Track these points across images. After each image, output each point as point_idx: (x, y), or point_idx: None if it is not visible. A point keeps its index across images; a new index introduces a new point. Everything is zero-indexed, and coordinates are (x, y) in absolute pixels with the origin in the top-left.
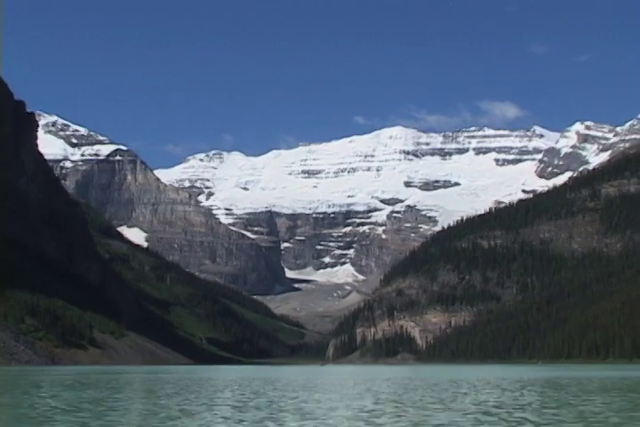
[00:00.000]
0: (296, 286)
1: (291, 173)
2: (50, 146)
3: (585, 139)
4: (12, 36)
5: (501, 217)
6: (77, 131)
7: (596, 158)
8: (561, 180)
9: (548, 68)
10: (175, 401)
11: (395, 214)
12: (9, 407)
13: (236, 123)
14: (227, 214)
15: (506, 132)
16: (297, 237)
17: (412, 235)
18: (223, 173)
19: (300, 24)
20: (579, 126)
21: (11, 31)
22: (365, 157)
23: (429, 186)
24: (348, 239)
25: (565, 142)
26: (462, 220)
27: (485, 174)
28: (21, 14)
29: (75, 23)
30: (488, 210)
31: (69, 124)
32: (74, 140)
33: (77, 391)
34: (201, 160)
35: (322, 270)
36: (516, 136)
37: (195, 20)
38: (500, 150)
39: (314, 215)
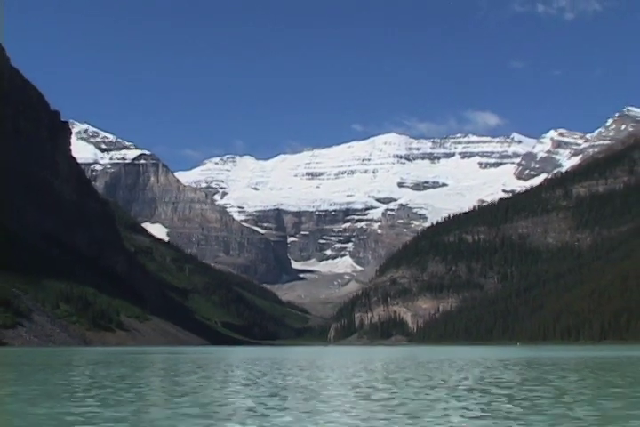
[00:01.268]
0: (301, 275)
1: (296, 175)
2: (82, 151)
3: (558, 144)
4: (51, 51)
5: (484, 214)
6: (106, 137)
7: (568, 162)
8: (537, 181)
9: (526, 81)
10: (192, 378)
11: (389, 212)
12: (42, 384)
13: (248, 130)
14: (239, 212)
15: (488, 139)
16: (302, 232)
17: (405, 230)
18: (236, 174)
19: (305, 41)
20: (553, 133)
21: (51, 48)
22: (363, 160)
23: (420, 186)
24: (347, 234)
25: (541, 148)
26: (449, 217)
27: (470, 176)
28: (53, 38)
29: (100, 43)
30: (472, 208)
31: (99, 131)
32: (103, 146)
33: (105, 369)
34: (216, 163)
35: (324, 262)
36: (497, 142)
37: (205, 36)
38: (482, 155)
39: (317, 213)
